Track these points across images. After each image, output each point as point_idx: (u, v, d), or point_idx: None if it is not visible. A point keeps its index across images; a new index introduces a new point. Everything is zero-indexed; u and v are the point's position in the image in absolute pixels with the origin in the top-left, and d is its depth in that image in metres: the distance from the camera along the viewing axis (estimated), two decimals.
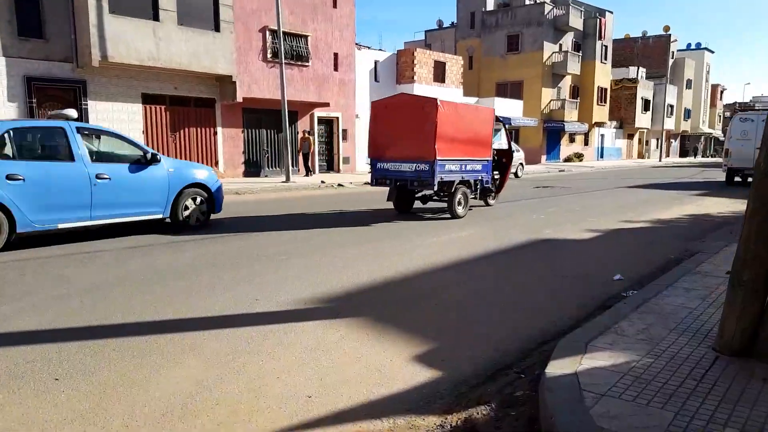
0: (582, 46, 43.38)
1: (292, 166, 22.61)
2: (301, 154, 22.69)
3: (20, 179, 7.15)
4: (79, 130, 7.88)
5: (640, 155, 56.38)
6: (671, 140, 63.66)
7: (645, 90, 52.72)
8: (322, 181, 20.01)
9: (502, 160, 13.48)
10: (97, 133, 8.44)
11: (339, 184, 20.04)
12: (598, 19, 43.24)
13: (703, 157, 69.76)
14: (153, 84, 18.36)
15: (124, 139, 8.56)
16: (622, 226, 10.16)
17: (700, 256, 7.01)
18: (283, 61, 19.45)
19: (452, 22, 44.98)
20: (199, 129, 19.98)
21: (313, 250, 7.57)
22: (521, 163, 25.43)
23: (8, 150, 7.29)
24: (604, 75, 45.23)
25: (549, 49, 39.57)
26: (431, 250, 7.73)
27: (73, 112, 8.05)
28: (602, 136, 48.35)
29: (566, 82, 42.04)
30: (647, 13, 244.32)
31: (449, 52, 44.36)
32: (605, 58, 45.08)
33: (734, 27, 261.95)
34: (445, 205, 11.35)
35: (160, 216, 8.72)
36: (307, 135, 22.41)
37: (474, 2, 42.15)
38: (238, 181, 19.55)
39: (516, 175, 25.08)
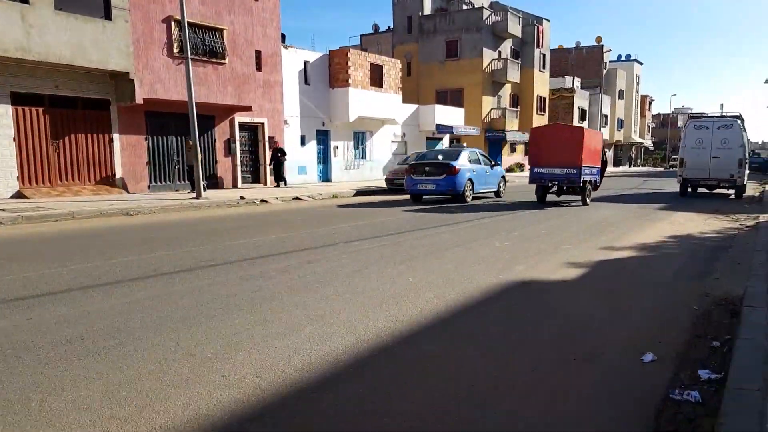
0: (521, 53, 42.47)
1: (206, 179, 19.64)
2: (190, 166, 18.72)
3: None
4: None
5: None
6: (606, 149, 64.36)
7: (581, 100, 52.69)
8: (242, 197, 17.17)
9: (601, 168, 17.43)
10: None
11: (262, 200, 17.27)
12: (535, 27, 42.49)
13: (634, 166, 71.17)
14: (26, 81, 15.02)
15: None
16: (606, 256, 8.04)
17: (747, 315, 4.85)
18: (190, 56, 16.55)
19: (389, 27, 43.05)
20: (89, 135, 16.71)
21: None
22: (503, 177, 23.33)
23: None
24: (542, 84, 44.52)
25: (488, 55, 38.26)
26: (356, 324, 5.22)
27: None
28: None
29: (506, 91, 40.91)
30: (577, 24, 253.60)
31: (386, 55, 42.51)
32: (543, 67, 44.40)
33: (661, 40, 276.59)
34: (575, 196, 16.80)
35: None
36: (191, 143, 18.08)
37: (411, 6, 40.39)
38: (140, 198, 16.41)
39: (498, 194, 22.89)
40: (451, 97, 38.72)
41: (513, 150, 42.90)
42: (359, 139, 27.51)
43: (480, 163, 17.99)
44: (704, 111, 21.30)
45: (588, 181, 15.75)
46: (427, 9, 40.24)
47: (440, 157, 17.39)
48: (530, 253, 8.19)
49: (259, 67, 21.49)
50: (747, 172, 18.16)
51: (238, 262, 7.33)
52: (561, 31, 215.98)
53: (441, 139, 33.59)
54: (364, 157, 27.76)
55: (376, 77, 26.96)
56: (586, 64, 61.58)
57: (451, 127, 31.32)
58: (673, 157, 77.35)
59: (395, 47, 41.78)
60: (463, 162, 16.98)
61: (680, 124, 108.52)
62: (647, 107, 76.33)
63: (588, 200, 15.81)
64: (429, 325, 4.78)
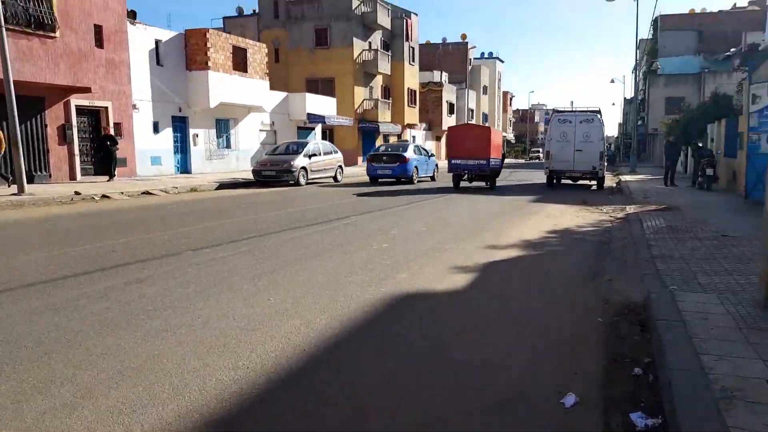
0: (391, 45, 42.26)
1: (39, 171, 16.66)
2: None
3: None
4: None
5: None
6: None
7: (449, 94, 54.05)
8: (77, 192, 14.57)
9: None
10: None
11: (103, 196, 14.83)
12: (404, 20, 42.51)
13: None
14: None
15: None
16: (492, 257, 7.33)
17: (663, 332, 4.21)
18: (7, 26, 13.64)
19: (254, 11, 40.63)
20: None
21: None
22: (340, 166, 22.39)
23: None
24: (412, 77, 44.78)
25: (359, 46, 37.48)
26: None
27: None
28: (414, 137, 48.06)
29: (378, 82, 40.48)
30: (443, 21, 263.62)
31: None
32: (413, 60, 44.66)
33: (520, 40, 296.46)
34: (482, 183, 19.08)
35: None
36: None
37: None
38: None
39: (335, 179, 21.97)
40: (322, 86, 37.40)
41: (386, 141, 42.69)
42: (222, 127, 25.29)
43: (421, 155, 22.20)
44: (557, 107, 22.44)
45: (493, 168, 18.52)
46: None
47: (399, 149, 21.44)
48: (413, 254, 7.25)
49: (100, 44, 18.61)
50: (606, 164, 19.06)
51: (40, 285, 5.52)
52: (427, 27, 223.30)
53: (313, 128, 32.23)
54: (228, 146, 25.60)
55: (240, 61, 24.89)
56: (452, 59, 63.42)
57: (323, 117, 30.07)
58: (533, 149, 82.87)
59: (261, 32, 39.48)
60: (411, 153, 20.94)
61: (537, 119, 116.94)
62: (509, 103, 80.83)
63: (495, 185, 18.99)
64: (291, 372, 3.54)
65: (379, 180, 21.29)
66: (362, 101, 38.23)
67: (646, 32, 57.70)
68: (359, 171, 29.98)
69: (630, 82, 71.45)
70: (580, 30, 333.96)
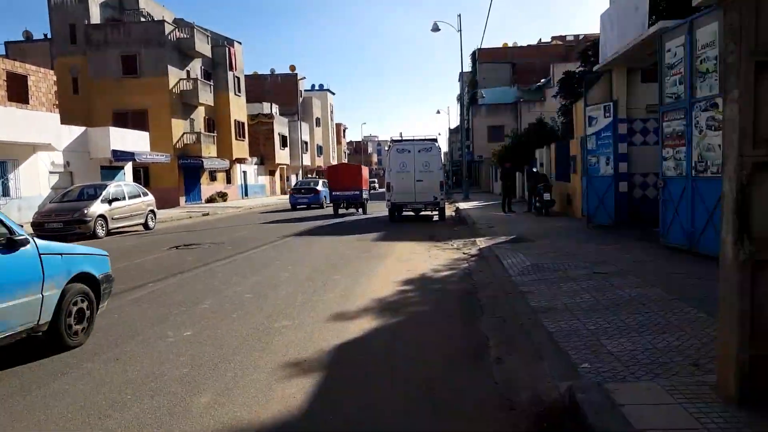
0: (213, 75, 39.20)
1: None
2: None
3: None
4: None
5: (283, 191, 55.58)
6: (309, 175, 65.52)
7: (281, 126, 52.09)
8: None
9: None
10: None
11: None
12: (227, 48, 39.83)
13: None
14: None
15: None
16: (339, 335, 5.33)
17: None
18: None
19: (45, 35, 34.99)
20: None
21: None
22: (152, 210, 18.99)
23: None
24: (239, 108, 42.03)
25: (175, 74, 33.95)
26: None
27: None
28: (245, 172, 45.07)
29: (200, 114, 37.07)
30: (271, 52, 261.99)
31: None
32: (239, 91, 42.00)
33: (348, 73, 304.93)
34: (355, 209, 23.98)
35: None
36: None
37: (74, 13, 33.40)
38: None
39: (146, 226, 18.53)
40: (133, 119, 33.03)
41: (213, 178, 39.16)
42: None
43: (326, 187, 26.80)
44: (394, 136, 22.32)
45: (365, 198, 23.72)
46: (96, 18, 33.84)
47: (311, 184, 29.78)
48: (228, 350, 4.95)
49: None
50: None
51: None
52: (254, 59, 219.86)
53: (121, 168, 27.94)
54: (6, 194, 20.63)
55: (18, 90, 20.35)
56: (282, 91, 61.78)
57: (132, 154, 26.04)
58: (370, 179, 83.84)
59: (56, 59, 33.99)
60: (321, 187, 28.51)
61: (370, 150, 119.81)
62: (342, 134, 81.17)
63: (366, 210, 23.55)
64: None
65: (297, 207, 28.38)
66: (182, 135, 34.53)
67: (467, 65, 61.32)
68: (181, 214, 26.38)
69: (456, 112, 75.90)
70: (408, 64, 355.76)
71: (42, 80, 21.49)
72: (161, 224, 21.63)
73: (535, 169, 17.44)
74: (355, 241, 12.93)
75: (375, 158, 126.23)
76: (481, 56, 54.27)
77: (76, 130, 25.04)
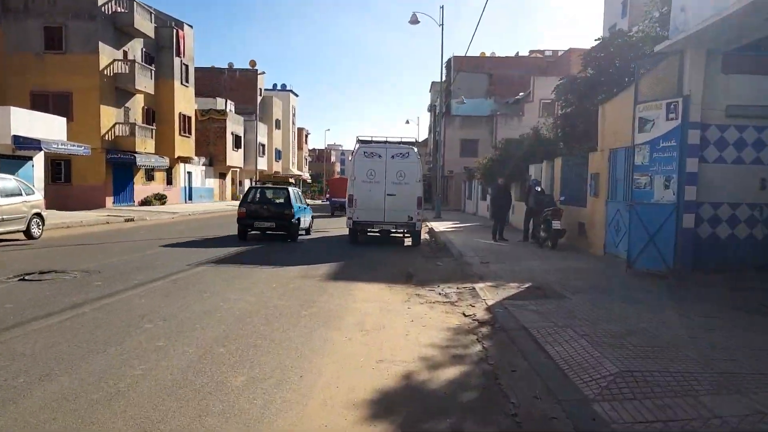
0: (156, 59, 34.48)
1: None
2: None
3: None
4: None
5: (234, 197, 50.78)
6: (258, 182, 60.88)
7: (235, 125, 47.46)
8: None
9: None
10: None
11: None
12: (174, 30, 35.22)
13: None
14: None
15: None
16: None
17: None
18: None
19: None
20: None
21: None
22: (38, 214, 14.46)
23: None
24: (186, 100, 37.32)
25: (108, 54, 29.17)
26: None
27: None
28: (189, 174, 40.24)
29: (137, 103, 32.28)
30: (230, 48, 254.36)
31: None
32: (186, 80, 37.31)
33: (313, 75, 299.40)
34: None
35: None
36: None
37: None
38: None
39: (28, 233, 14.01)
40: (54, 102, 28.07)
41: (150, 178, 34.27)
42: None
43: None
44: (361, 136, 18.60)
45: None
46: None
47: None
48: None
49: None
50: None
51: None
52: (212, 52, 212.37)
53: (29, 158, 23.04)
54: None
55: None
56: (240, 87, 57.10)
57: (39, 141, 21.22)
58: (329, 190, 79.37)
59: None
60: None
61: (333, 158, 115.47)
62: (304, 140, 76.76)
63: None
64: None
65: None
66: (114, 125, 29.71)
67: (439, 74, 58.15)
68: (98, 217, 21.61)
69: (426, 123, 72.71)
70: (376, 73, 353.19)
71: None
72: (58, 231, 17.06)
73: (538, 188, 13.82)
74: (298, 279, 8.85)
75: (338, 167, 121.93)
76: (456, 64, 51.17)
77: None
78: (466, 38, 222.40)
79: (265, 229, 14.97)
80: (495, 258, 11.23)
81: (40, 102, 27.71)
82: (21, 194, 13.93)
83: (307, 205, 17.99)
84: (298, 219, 15.32)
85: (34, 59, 28.15)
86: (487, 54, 56.37)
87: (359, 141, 14.36)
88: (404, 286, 8.46)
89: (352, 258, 11.88)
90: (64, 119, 24.90)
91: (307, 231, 17.25)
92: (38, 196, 14.67)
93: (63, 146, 23.03)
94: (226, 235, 16.70)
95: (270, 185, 24.07)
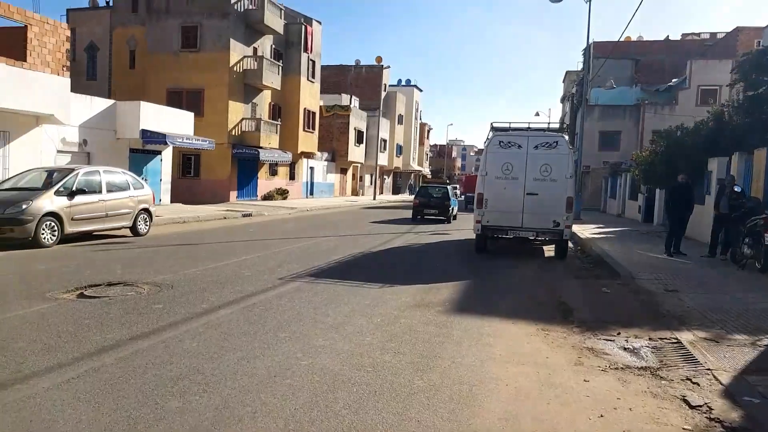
0: (284, 56, 34.28)
1: None
2: None
3: None
4: None
5: (354, 192, 50.19)
6: (385, 177, 59.86)
7: (358, 120, 46.67)
8: None
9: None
10: None
11: None
12: (303, 26, 34.78)
13: (411, 193, 68.46)
14: None
15: None
16: None
17: None
18: None
19: (107, 2, 31.47)
20: None
21: None
22: (145, 209, 13.69)
23: None
24: (311, 96, 36.88)
25: (238, 51, 29.16)
26: None
27: None
28: (312, 168, 39.95)
29: (264, 99, 32.18)
30: (358, 46, 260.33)
31: (102, 42, 30.88)
32: (312, 76, 36.83)
33: (437, 71, 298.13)
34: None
35: None
36: None
37: None
38: None
39: (135, 230, 13.28)
40: (187, 99, 28.62)
41: (274, 173, 34.19)
42: None
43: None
44: (496, 122, 15.40)
45: None
46: None
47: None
48: None
49: None
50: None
51: None
52: (339, 48, 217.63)
53: (158, 153, 23.34)
54: None
55: (13, 44, 15.88)
56: (365, 83, 56.50)
57: (165, 136, 21.18)
58: (453, 185, 76.85)
59: (115, 29, 30.34)
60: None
61: (455, 154, 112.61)
62: (426, 135, 74.93)
63: None
64: None
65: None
66: (240, 120, 29.72)
67: (577, 64, 53.17)
68: (217, 212, 21.08)
69: (557, 115, 67.68)
70: (502, 62, 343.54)
71: (48, 34, 16.86)
72: (171, 227, 16.42)
73: (738, 188, 10.40)
74: (411, 308, 6.62)
75: (458, 163, 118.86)
76: (596, 51, 46.12)
77: (100, 103, 20.55)
78: (605, 23, 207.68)
79: (431, 214, 22.13)
80: (683, 283, 8.19)
81: (175, 99, 28.36)
82: (128, 188, 13.19)
83: (455, 197, 24.43)
84: (453, 208, 22.72)
85: (171, 58, 28.87)
86: (632, 38, 50.41)
87: (493, 128, 11.80)
88: (564, 329, 5.88)
89: (480, 275, 9.44)
90: (192, 114, 25.02)
91: (454, 217, 23.41)
92: (147, 191, 13.90)
93: (188, 140, 23.00)
94: (338, 235, 15.01)
95: (433, 184, 28.17)
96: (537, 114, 59.70)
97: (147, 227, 13.74)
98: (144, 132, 20.97)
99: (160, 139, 21.17)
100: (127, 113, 21.08)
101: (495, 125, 11.90)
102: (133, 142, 21.70)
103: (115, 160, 20.93)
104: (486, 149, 11.51)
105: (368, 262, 10.55)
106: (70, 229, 11.50)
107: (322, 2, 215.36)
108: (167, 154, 24.27)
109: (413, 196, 25.78)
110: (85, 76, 30.82)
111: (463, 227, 19.78)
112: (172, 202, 24.70)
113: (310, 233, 15.67)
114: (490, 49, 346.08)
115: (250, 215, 22.43)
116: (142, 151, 22.64)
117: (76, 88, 22.38)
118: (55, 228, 11.14)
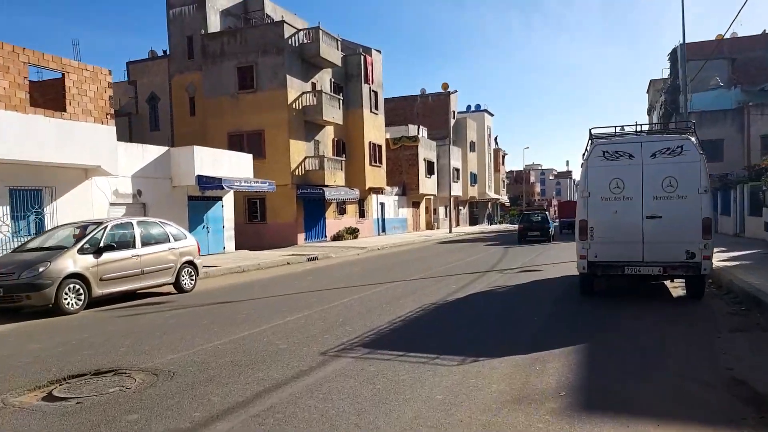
0: (344, 89, 33.15)
1: None
2: None
3: None
4: None
5: (429, 226, 47.91)
6: (460, 207, 57.26)
7: (427, 150, 44.74)
8: None
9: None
10: None
11: None
12: (362, 57, 33.62)
13: (493, 224, 65.11)
14: None
15: None
16: None
17: None
18: None
19: (164, 51, 31.73)
20: None
21: None
22: (190, 262, 12.14)
23: None
24: (376, 128, 35.42)
25: (296, 87, 28.21)
26: None
27: None
28: (382, 204, 38.22)
29: (327, 135, 31.00)
30: (423, 75, 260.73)
31: (162, 92, 31.00)
32: (376, 107, 35.42)
33: (508, 93, 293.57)
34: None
35: None
36: None
37: (191, 23, 29.53)
38: None
39: (179, 287, 11.76)
40: (249, 141, 27.88)
41: (342, 212, 32.70)
42: (23, 200, 15.22)
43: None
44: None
45: None
46: (214, 26, 29.65)
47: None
48: None
49: None
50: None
51: None
52: (404, 80, 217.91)
53: (218, 199, 22.32)
54: (38, 232, 15.41)
55: (51, 93, 15.25)
56: (432, 112, 54.79)
57: (220, 180, 20.05)
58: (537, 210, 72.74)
59: (173, 77, 30.41)
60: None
61: (533, 179, 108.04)
62: (501, 161, 71.85)
63: None
64: None
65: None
66: (303, 160, 28.55)
67: (663, 71, 48.98)
68: (281, 257, 19.48)
69: (645, 127, 62.79)
70: (572, 84, 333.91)
71: (88, 81, 16.16)
72: (227, 278, 14.89)
73: None
74: (508, 405, 4.29)
75: (538, 188, 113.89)
76: (687, 52, 41.93)
77: (153, 151, 19.75)
78: (689, 22, 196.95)
79: (534, 236, 27.40)
80: None
81: (236, 142, 27.70)
82: (168, 240, 11.70)
83: (552, 220, 31.76)
84: (551, 229, 28.05)
85: (229, 101, 28.34)
86: (725, 36, 45.66)
87: (593, 137, 9.30)
88: None
89: (596, 333, 6.89)
90: (250, 156, 24.00)
91: (552, 237, 28.26)
92: (190, 242, 12.39)
93: (246, 183, 21.79)
94: (408, 279, 12.81)
95: (533, 211, 32.10)
96: (622, 128, 55.12)
97: (193, 282, 12.18)
98: (200, 178, 19.95)
99: (216, 183, 20.05)
100: (181, 159, 20.19)
101: (594, 132, 9.40)
102: (191, 189, 20.75)
103: (172, 210, 20.01)
104: (586, 164, 9.00)
105: (442, 318, 8.26)
106: (99, 291, 10.05)
107: (385, 36, 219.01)
108: (228, 200, 23.25)
109: (518, 223, 31.81)
110: (149, 127, 30.98)
111: (556, 259, 17.08)
112: (237, 249, 23.57)
113: (376, 278, 13.58)
114: (559, 70, 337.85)
115: (315, 259, 20.75)
116: (202, 198, 21.68)
117: (141, 139, 22.03)
118: (81, 291, 9.72)
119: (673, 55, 41.80)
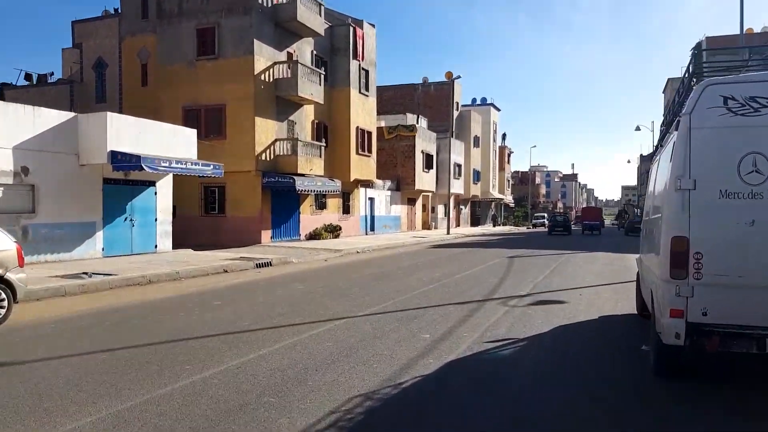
0: (329, 64, 28.39)
1: None
2: None
3: None
4: None
5: (426, 225, 43.09)
6: (461, 207, 52.44)
7: (426, 142, 39.94)
8: None
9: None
10: None
11: None
12: (351, 29, 28.83)
13: (496, 225, 60.29)
14: None
15: None
16: None
17: None
18: None
19: (115, 9, 27.01)
20: None
21: None
22: (3, 280, 7.50)
23: None
24: (366, 112, 30.62)
25: (267, 55, 23.45)
26: None
27: None
28: (371, 200, 33.43)
29: (305, 116, 26.21)
30: (425, 64, 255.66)
31: (110, 57, 26.30)
32: (366, 88, 30.60)
33: (516, 91, 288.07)
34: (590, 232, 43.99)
35: None
36: None
37: None
38: None
39: None
40: (206, 117, 23.19)
41: (322, 206, 27.92)
42: None
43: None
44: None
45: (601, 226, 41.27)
46: None
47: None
48: None
49: None
50: None
51: None
52: (408, 69, 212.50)
53: (151, 184, 17.63)
54: None
55: None
56: (435, 103, 50.06)
57: (139, 158, 15.07)
58: (536, 215, 67.91)
59: (124, 40, 25.69)
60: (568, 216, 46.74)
61: (538, 180, 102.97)
62: (506, 159, 66.95)
63: (600, 232, 42.21)
64: None
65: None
66: (273, 142, 23.80)
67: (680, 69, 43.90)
68: (231, 262, 14.43)
69: (658, 130, 57.86)
70: (582, 86, 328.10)
71: None
72: (123, 292, 10.05)
73: None
74: None
75: (543, 190, 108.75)
76: (711, 45, 37.11)
77: (50, 117, 15.00)
78: (706, 18, 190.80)
79: (559, 231, 42.12)
80: None
81: (192, 117, 23.00)
82: None
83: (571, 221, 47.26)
84: (571, 225, 46.66)
85: (186, 69, 23.56)
86: (755, 30, 40.77)
87: (699, 69, 3.96)
88: None
89: None
90: (193, 131, 19.23)
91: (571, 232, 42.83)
92: (10, 248, 7.65)
93: (178, 165, 16.86)
94: (358, 317, 8.01)
95: (557, 214, 46.02)
96: (638, 128, 50.46)
97: (3, 309, 7.43)
98: (113, 154, 15.19)
99: (134, 162, 15.21)
100: (91, 130, 15.43)
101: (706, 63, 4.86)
102: (107, 170, 16.03)
103: (79, 195, 15.29)
104: (686, 126, 4.33)
105: (473, 378, 3.56)
106: None
107: (389, 36, 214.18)
108: (166, 185, 18.49)
109: (547, 222, 50.26)
110: (95, 99, 26.26)
111: (576, 278, 12.32)
112: (177, 247, 18.86)
113: (313, 308, 8.81)
114: (568, 74, 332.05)
115: (268, 264, 16.07)
116: (125, 182, 16.95)
117: (85, 112, 17.50)
118: None
119: (695, 51, 36.85)
